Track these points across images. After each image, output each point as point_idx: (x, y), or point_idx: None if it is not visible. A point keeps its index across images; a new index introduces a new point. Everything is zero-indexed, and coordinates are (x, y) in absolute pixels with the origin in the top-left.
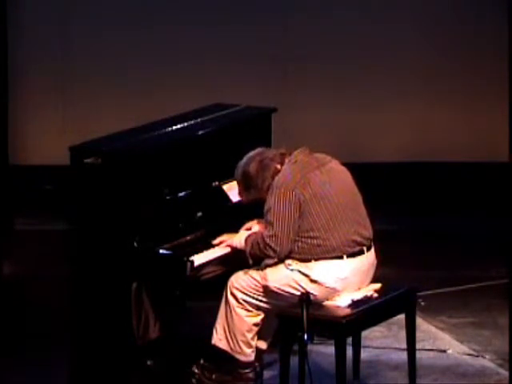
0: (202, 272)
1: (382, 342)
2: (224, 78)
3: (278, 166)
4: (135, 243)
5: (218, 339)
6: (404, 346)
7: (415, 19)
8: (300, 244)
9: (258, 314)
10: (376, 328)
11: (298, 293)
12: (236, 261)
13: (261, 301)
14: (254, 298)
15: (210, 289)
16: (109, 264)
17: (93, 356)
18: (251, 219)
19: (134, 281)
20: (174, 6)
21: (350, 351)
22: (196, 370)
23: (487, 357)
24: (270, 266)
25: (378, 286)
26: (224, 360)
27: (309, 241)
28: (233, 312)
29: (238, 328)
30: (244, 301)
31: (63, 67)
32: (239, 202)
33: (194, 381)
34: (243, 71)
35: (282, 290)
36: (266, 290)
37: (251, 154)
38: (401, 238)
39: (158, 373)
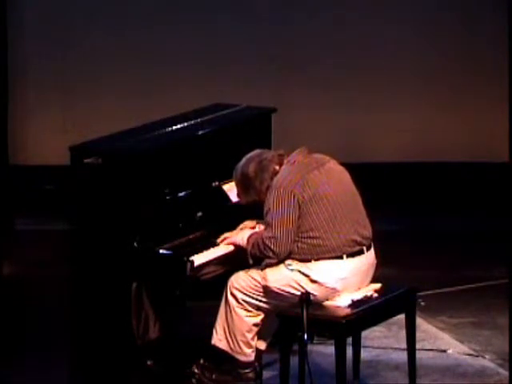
0: (202, 272)
1: (382, 341)
2: (224, 78)
3: (277, 167)
4: (135, 243)
5: (218, 339)
6: (404, 346)
7: (415, 19)
8: (300, 244)
9: (258, 314)
10: (376, 328)
11: (298, 293)
12: (236, 261)
13: (261, 301)
14: (254, 298)
15: (210, 289)
16: (109, 264)
17: (93, 356)
18: (251, 219)
19: (134, 281)
20: (174, 6)
21: (350, 351)
22: (196, 370)
23: (487, 357)
24: (270, 266)
25: (378, 286)
26: (224, 360)
27: (309, 241)
28: (233, 312)
29: (237, 328)
30: (244, 301)
31: (63, 67)
32: (239, 202)
33: (193, 381)
34: (243, 71)
35: (282, 290)
36: (266, 290)
37: (249, 155)
38: (401, 237)
39: (158, 373)
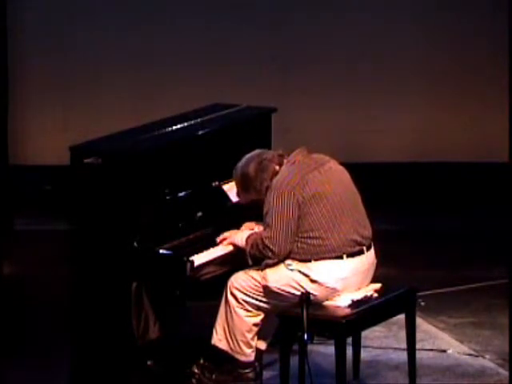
0: (202, 272)
1: (382, 341)
2: (224, 78)
3: (277, 167)
4: (135, 243)
5: (218, 339)
6: (404, 346)
7: (416, 19)
8: (300, 244)
9: (258, 314)
10: (376, 328)
11: (298, 293)
12: (236, 261)
13: (261, 301)
14: (253, 298)
15: (210, 289)
16: (109, 264)
17: (93, 356)
18: (251, 219)
19: (134, 281)
20: (174, 6)
21: (350, 351)
22: (196, 370)
23: (487, 357)
24: (270, 266)
25: (378, 286)
26: (224, 360)
27: (308, 241)
28: (233, 312)
29: (237, 328)
30: (244, 301)
31: (63, 67)
32: (239, 202)
33: (193, 381)
34: (243, 71)
35: (282, 290)
36: (266, 290)
37: (249, 155)
38: (401, 238)
39: (158, 373)
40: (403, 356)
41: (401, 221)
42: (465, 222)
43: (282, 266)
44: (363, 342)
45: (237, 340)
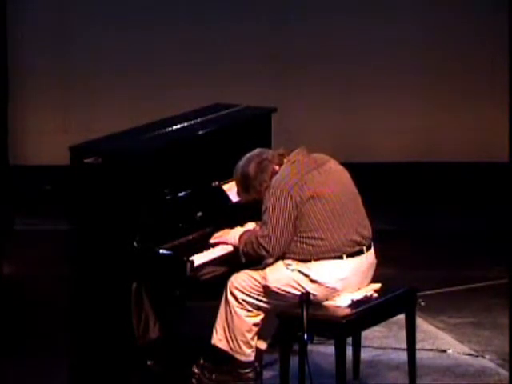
0: (202, 272)
1: (382, 341)
2: (224, 78)
3: (277, 167)
4: (135, 243)
5: (218, 339)
6: (404, 346)
7: (415, 19)
8: (299, 244)
9: (258, 314)
10: (376, 328)
11: (298, 293)
12: (236, 261)
13: (261, 301)
14: (253, 298)
15: (210, 289)
16: (109, 264)
17: (93, 356)
18: (251, 219)
19: (134, 281)
20: (174, 6)
21: (350, 351)
22: (196, 370)
23: (487, 357)
24: (270, 266)
25: (377, 286)
26: (224, 360)
27: (308, 241)
28: (233, 312)
29: (237, 328)
30: (244, 301)
31: (63, 67)
32: (239, 201)
33: (194, 381)
34: (243, 71)
35: (282, 290)
36: (266, 290)
37: (249, 155)
38: (401, 237)
39: (158, 373)
40: (403, 356)
41: (401, 221)
42: (465, 222)
43: (281, 266)
44: (363, 342)
45: (237, 340)
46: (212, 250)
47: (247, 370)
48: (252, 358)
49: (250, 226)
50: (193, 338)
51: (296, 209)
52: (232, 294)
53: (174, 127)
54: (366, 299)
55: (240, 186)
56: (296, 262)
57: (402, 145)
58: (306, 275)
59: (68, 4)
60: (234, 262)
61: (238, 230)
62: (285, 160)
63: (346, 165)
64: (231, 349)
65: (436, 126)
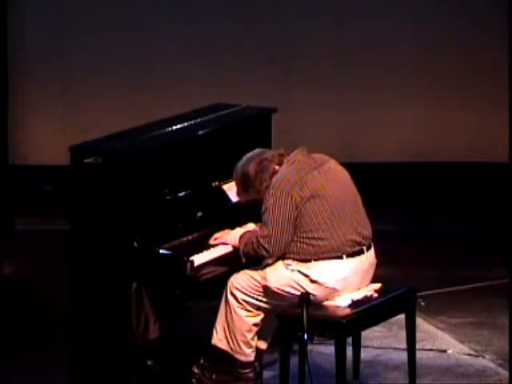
0: (202, 272)
1: (382, 342)
2: (224, 78)
3: (277, 167)
4: (135, 243)
5: (218, 339)
6: (404, 346)
7: (415, 19)
8: (299, 244)
9: (258, 314)
10: (376, 328)
11: (298, 293)
12: (236, 261)
13: (261, 301)
14: (253, 298)
15: (210, 289)
16: (109, 264)
17: (93, 356)
18: (251, 219)
19: (134, 281)
20: (174, 6)
21: (350, 351)
22: (196, 370)
23: (487, 357)
24: (270, 266)
25: (377, 286)
26: (224, 360)
27: (308, 241)
28: (233, 312)
29: (237, 328)
30: (244, 301)
31: (63, 67)
32: (239, 201)
33: (194, 381)
34: (243, 71)
35: (282, 290)
36: (266, 290)
37: (249, 155)
38: (401, 237)
39: (158, 373)
40: (403, 356)
41: (401, 221)
42: (465, 222)
43: (281, 266)
44: (363, 342)
45: (237, 340)
46: (212, 250)
47: (247, 370)
48: (252, 358)
49: (250, 226)
50: (193, 337)
51: (296, 209)
52: (232, 293)
53: (174, 127)
54: (366, 299)
55: (240, 186)
56: (296, 262)
57: (402, 145)
58: (305, 275)
59: (68, 4)
60: (233, 262)
61: (237, 231)
62: (285, 160)
63: (345, 165)
64: (231, 349)
65: (436, 126)
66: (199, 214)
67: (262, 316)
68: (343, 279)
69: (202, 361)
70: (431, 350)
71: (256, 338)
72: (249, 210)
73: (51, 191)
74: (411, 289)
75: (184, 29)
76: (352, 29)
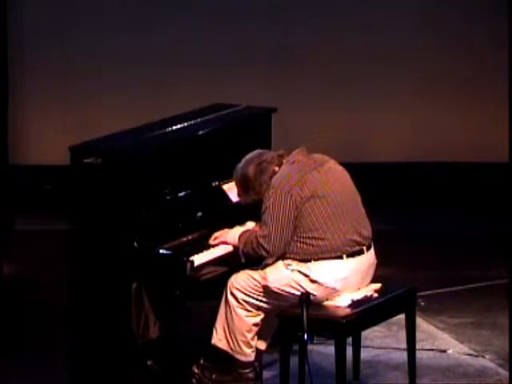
0: (202, 272)
1: (382, 341)
2: (224, 78)
3: (276, 168)
4: (135, 243)
5: (218, 339)
6: (404, 346)
7: (415, 19)
8: (299, 244)
9: (258, 314)
10: (376, 328)
11: (298, 293)
12: (236, 261)
13: (261, 301)
14: (254, 298)
15: (210, 289)
16: (109, 264)
17: (93, 356)
18: (251, 219)
19: (134, 281)
20: (174, 6)
21: (350, 351)
22: (196, 370)
23: (487, 357)
24: (270, 266)
25: (378, 286)
26: (224, 360)
27: (308, 241)
28: (233, 312)
29: (237, 328)
30: (244, 301)
31: (63, 67)
32: (239, 202)
33: (194, 381)
34: (243, 71)
35: (282, 290)
36: (266, 291)
37: (249, 156)
38: (401, 238)
39: (158, 373)
40: (403, 356)
41: (401, 221)
42: (465, 222)
43: (281, 266)
44: (363, 342)
45: (237, 340)
46: (212, 250)
47: (247, 370)
48: (252, 358)
49: (250, 225)
50: (193, 337)
51: (296, 209)
52: (232, 294)
53: (174, 127)
54: (366, 299)
55: (240, 187)
56: (296, 262)
57: (402, 145)
58: (306, 275)
59: (68, 4)
60: (233, 262)
61: (237, 230)
62: (284, 160)
63: (345, 165)
64: (231, 349)
65: (436, 126)
66: (199, 214)
67: (262, 316)
68: (343, 279)
69: (202, 361)
70: (431, 350)
71: (256, 338)
72: (249, 210)
73: (51, 191)
74: (411, 289)
75: (184, 29)
76: (352, 29)
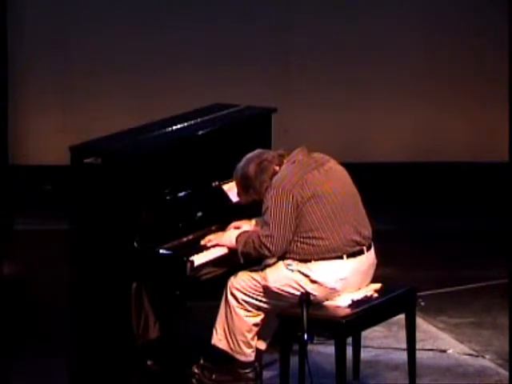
0: (202, 272)
1: (382, 341)
2: (224, 77)
3: (277, 168)
4: (135, 243)
5: (218, 339)
6: (404, 346)
7: (415, 19)
8: (300, 244)
9: (258, 314)
10: (376, 328)
11: (298, 293)
12: (236, 261)
13: (261, 301)
14: (254, 298)
15: (210, 289)
16: (109, 264)
17: (93, 356)
18: (251, 219)
19: (134, 281)
20: (174, 6)
21: (350, 351)
22: (196, 370)
23: (487, 357)
24: (270, 266)
25: (378, 286)
26: (224, 360)
27: (308, 241)
28: (233, 312)
29: (237, 328)
30: (244, 301)
31: (63, 67)
32: (239, 202)
33: (194, 381)
34: (243, 71)
35: (282, 291)
36: (266, 291)
37: (249, 156)
38: (401, 237)
39: (158, 373)
40: (403, 356)
41: (401, 221)
42: (465, 222)
43: (282, 267)
44: (363, 342)
45: (237, 340)
46: (212, 250)
47: (247, 370)
48: (252, 358)
49: (246, 226)
50: (193, 337)
51: (297, 208)
52: (232, 294)
53: (174, 127)
54: (366, 299)
55: (240, 187)
56: (296, 262)
57: (402, 145)
58: (306, 275)
59: (68, 4)
60: (233, 262)
61: (231, 232)
62: (284, 160)
63: (345, 165)
64: (231, 349)
65: (436, 126)
66: (199, 213)
67: (262, 316)
68: (343, 279)
69: (202, 361)
70: (431, 350)
71: (256, 338)
72: (249, 210)
73: (51, 191)
74: (411, 289)
75: (184, 29)
76: (352, 29)
